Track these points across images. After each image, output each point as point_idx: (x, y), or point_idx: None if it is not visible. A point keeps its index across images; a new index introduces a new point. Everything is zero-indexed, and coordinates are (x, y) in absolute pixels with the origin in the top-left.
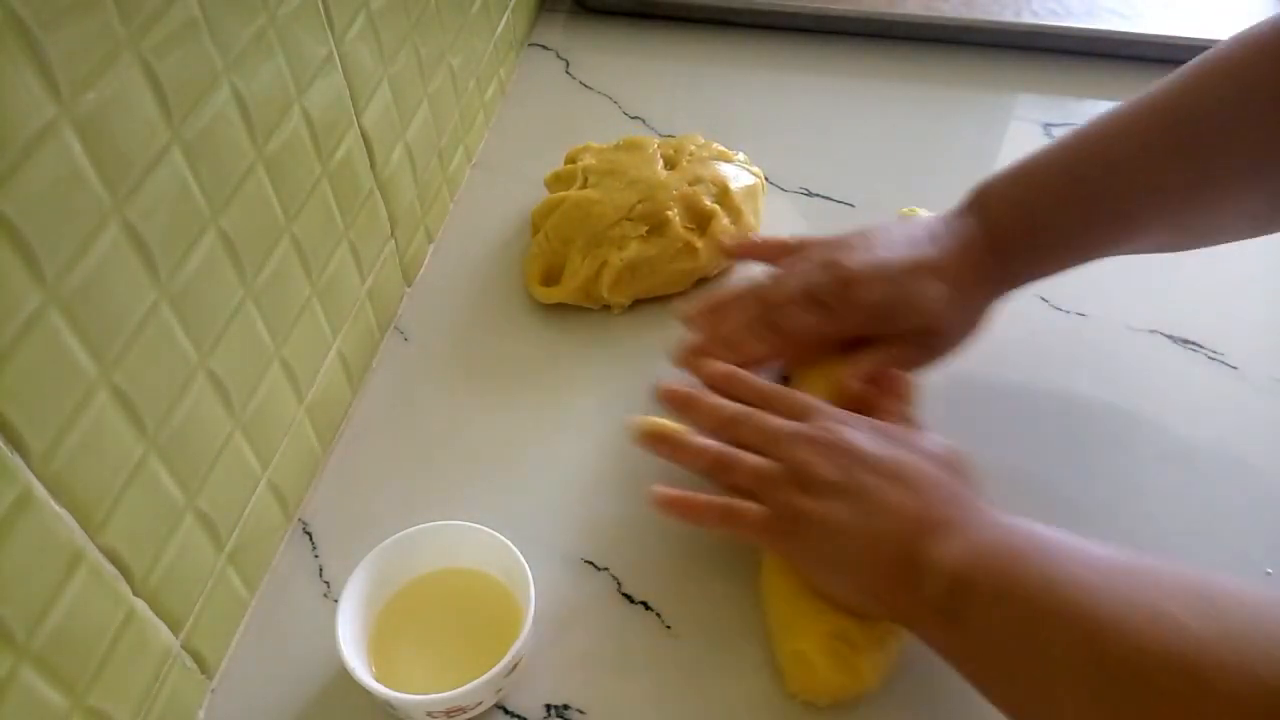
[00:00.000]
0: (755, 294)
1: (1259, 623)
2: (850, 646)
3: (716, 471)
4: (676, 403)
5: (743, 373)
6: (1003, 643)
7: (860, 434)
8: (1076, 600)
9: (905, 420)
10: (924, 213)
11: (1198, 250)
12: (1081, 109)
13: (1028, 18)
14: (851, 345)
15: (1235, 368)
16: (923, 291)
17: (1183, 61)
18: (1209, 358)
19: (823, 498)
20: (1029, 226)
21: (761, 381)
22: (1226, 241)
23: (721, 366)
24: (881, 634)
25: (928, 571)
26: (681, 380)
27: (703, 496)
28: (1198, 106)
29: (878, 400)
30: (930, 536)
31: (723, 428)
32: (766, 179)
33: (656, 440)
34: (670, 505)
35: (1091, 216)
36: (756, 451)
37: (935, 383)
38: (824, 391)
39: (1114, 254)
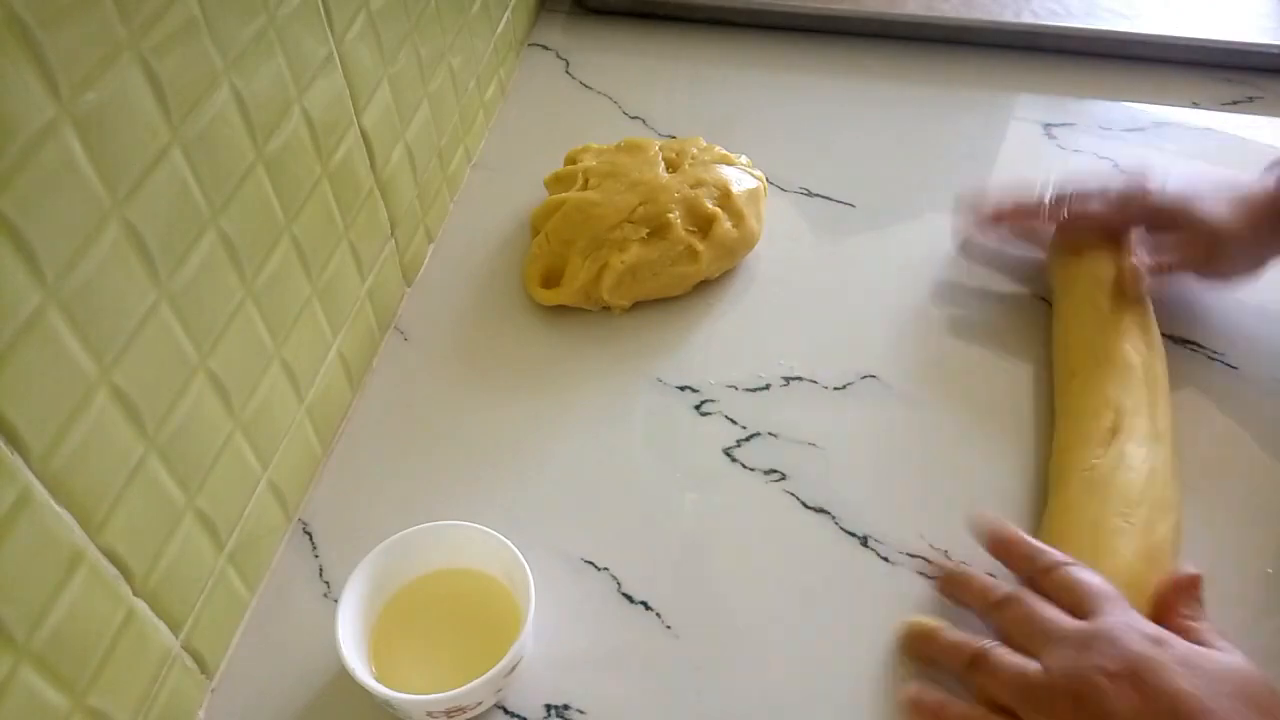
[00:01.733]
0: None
1: None
2: None
3: (969, 667)
4: (949, 589)
5: (1022, 538)
6: None
7: (1165, 655)
8: None
9: (1197, 633)
10: None
11: None
12: (1081, 109)
13: (1028, 18)
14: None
15: (1235, 368)
16: (1213, 208)
17: (1181, 61)
18: (1209, 358)
19: None
20: None
21: (1042, 549)
22: None
23: (1001, 529)
24: None
25: None
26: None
27: (959, 705)
28: None
29: (1168, 597)
30: None
31: (993, 613)
32: (767, 179)
33: (914, 643)
34: (919, 710)
35: None
36: (1022, 649)
37: (934, 384)
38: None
39: None
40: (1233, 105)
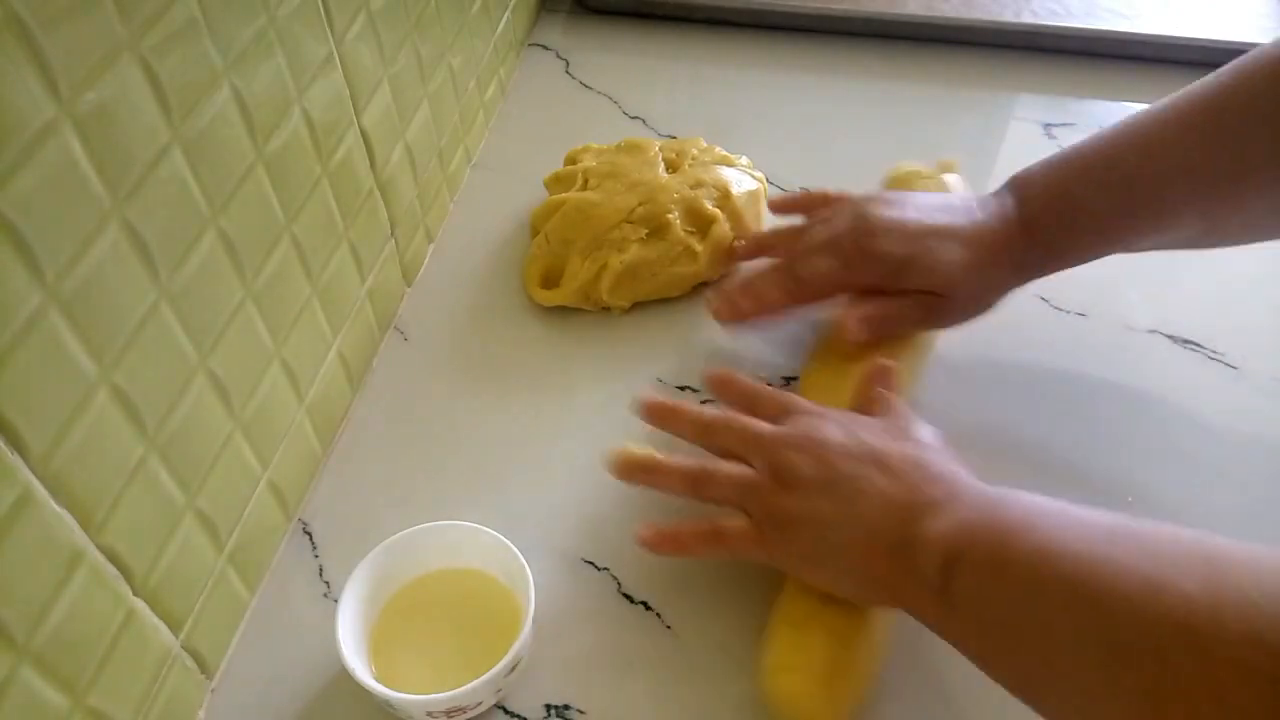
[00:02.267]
0: (785, 240)
1: (1260, 585)
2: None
3: (696, 489)
4: (655, 414)
5: (735, 375)
6: (1000, 617)
7: (837, 427)
8: (1074, 570)
9: (892, 410)
10: (913, 165)
11: (1198, 251)
12: (1081, 109)
13: (1028, 18)
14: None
15: (1235, 368)
16: (940, 254)
17: (1181, 61)
18: (1209, 358)
19: (807, 495)
20: (1065, 210)
21: (749, 383)
22: (1254, 240)
23: (717, 372)
24: (864, 666)
25: (920, 552)
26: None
27: (687, 524)
28: (1234, 99)
29: (867, 388)
30: (919, 517)
31: (702, 435)
32: (766, 179)
33: (632, 470)
34: (658, 544)
35: (1127, 202)
36: (738, 459)
37: (934, 382)
38: (829, 390)
39: (1144, 246)
40: None
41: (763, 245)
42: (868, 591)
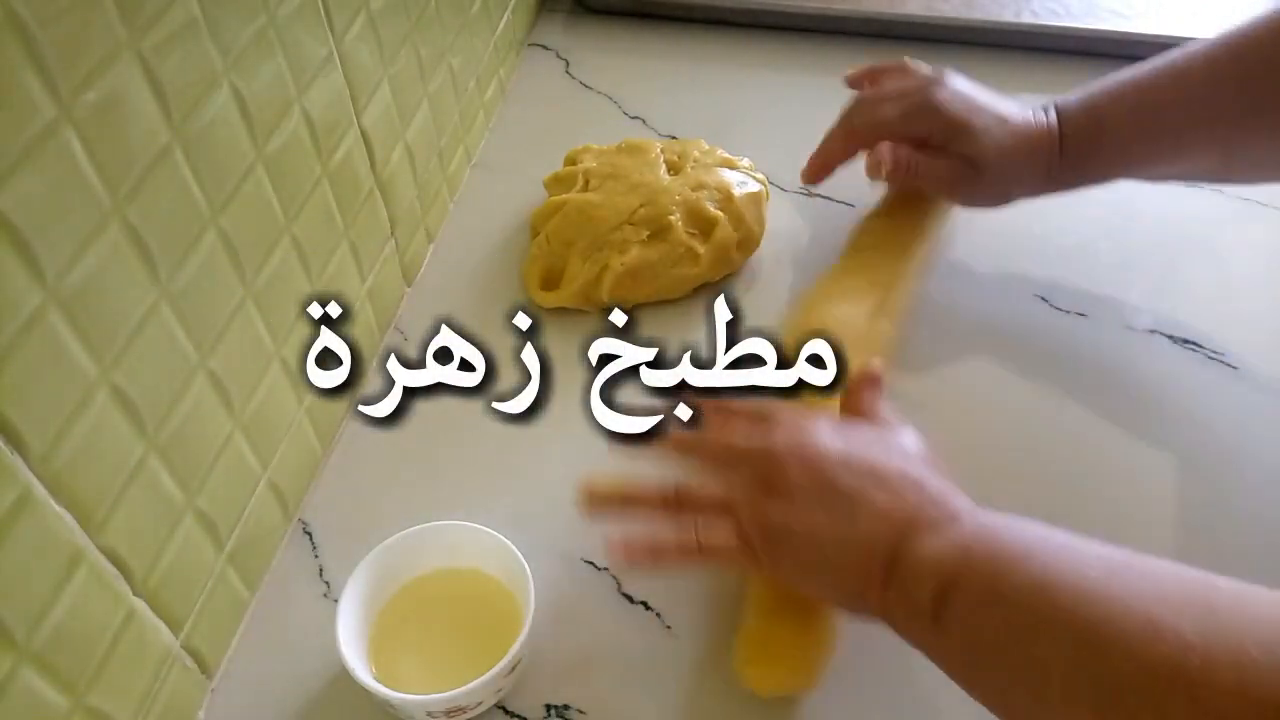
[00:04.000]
0: (855, 100)
1: (1258, 635)
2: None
3: (676, 507)
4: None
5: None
6: (993, 646)
7: (830, 434)
8: (1071, 604)
9: (881, 418)
10: None
11: (1198, 251)
12: None
13: (1028, 18)
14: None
15: (1235, 368)
16: (992, 130)
17: None
18: (1209, 358)
19: (801, 505)
20: (1094, 128)
21: (720, 402)
22: (1264, 180)
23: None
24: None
25: (911, 572)
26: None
27: (669, 537)
28: (1256, 44)
29: (854, 391)
30: (912, 536)
31: (686, 452)
32: (767, 180)
33: (601, 504)
34: (633, 558)
35: (1152, 129)
36: (722, 471)
37: (934, 381)
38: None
39: (1162, 173)
40: None
41: (869, 75)
42: (856, 605)
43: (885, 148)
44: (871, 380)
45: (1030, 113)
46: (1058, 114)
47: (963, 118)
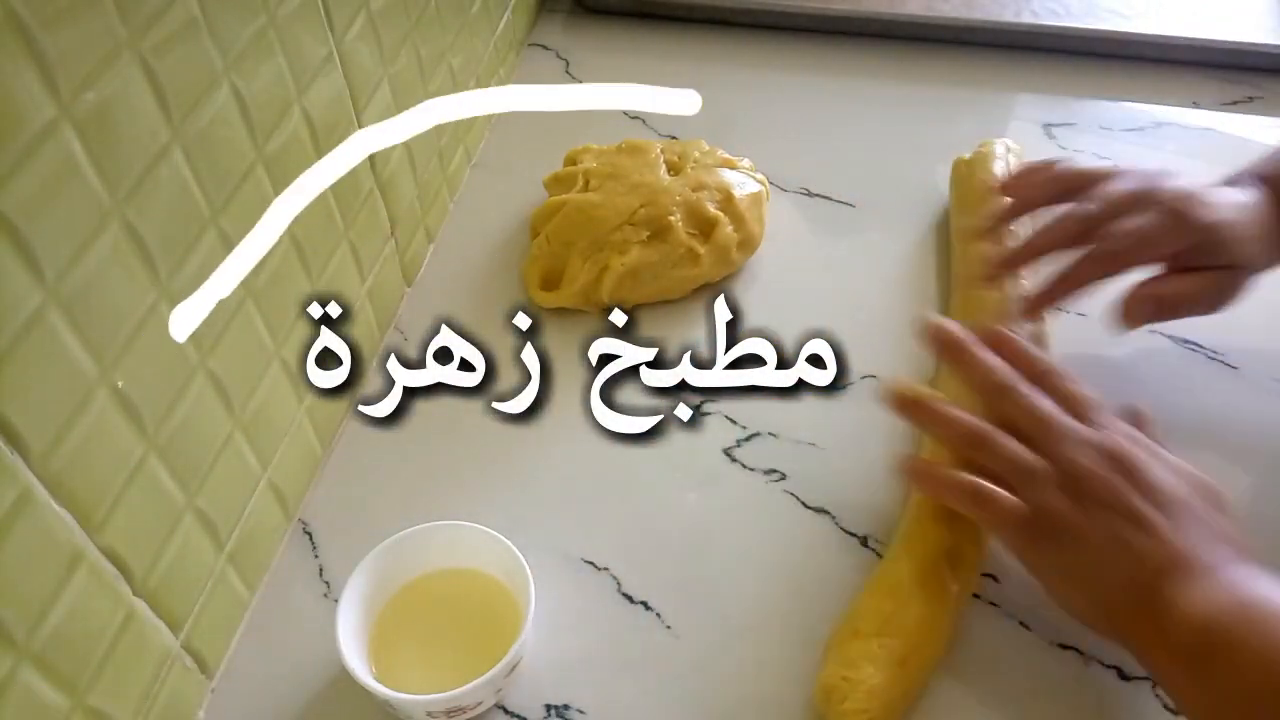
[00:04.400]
0: (1078, 210)
1: None
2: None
3: (973, 447)
4: (946, 344)
5: (1021, 341)
6: (1255, 706)
7: (1143, 452)
8: None
9: (1161, 452)
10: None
11: None
12: (1081, 109)
13: (1028, 18)
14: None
15: (1235, 368)
16: (1247, 225)
17: (1181, 61)
18: (1209, 358)
19: (1089, 510)
20: None
21: (1040, 355)
22: None
23: (999, 331)
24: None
25: (1179, 612)
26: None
27: (956, 472)
28: None
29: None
30: (1183, 575)
31: (991, 394)
32: (767, 180)
33: (907, 405)
34: (917, 475)
35: None
36: (1021, 437)
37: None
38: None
39: None
40: (1233, 105)
41: (1055, 183)
42: (1104, 624)
43: (1138, 295)
44: (1149, 421)
45: (1243, 192)
46: (1268, 184)
47: (1226, 221)
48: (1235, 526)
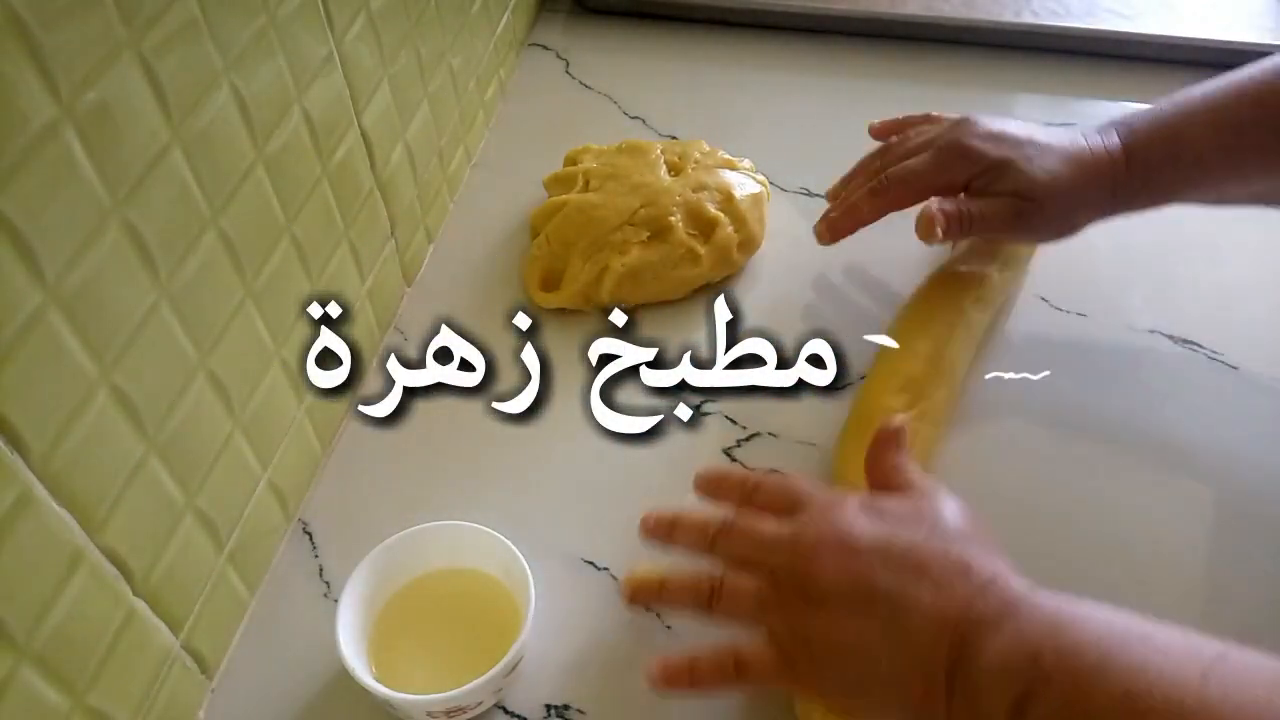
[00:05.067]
0: (881, 150)
1: None
2: None
3: (708, 606)
4: (660, 534)
5: (727, 470)
6: None
7: (862, 518)
8: (1167, 712)
9: (913, 486)
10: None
11: (1198, 251)
12: (1081, 109)
13: (1028, 18)
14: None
15: (1235, 368)
16: (1037, 161)
17: (1181, 61)
18: (1209, 358)
19: (838, 612)
20: (1171, 145)
21: (744, 474)
22: None
23: (707, 471)
24: None
25: (977, 683)
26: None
27: (702, 656)
28: None
29: (875, 455)
30: (971, 638)
31: (704, 545)
32: (768, 180)
33: (639, 594)
34: (668, 681)
35: (1235, 146)
36: (749, 567)
37: None
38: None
39: (1239, 194)
40: None
41: (887, 130)
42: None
43: (934, 204)
44: (891, 439)
45: (1081, 137)
46: (1119, 133)
47: (1001, 154)
48: (997, 552)
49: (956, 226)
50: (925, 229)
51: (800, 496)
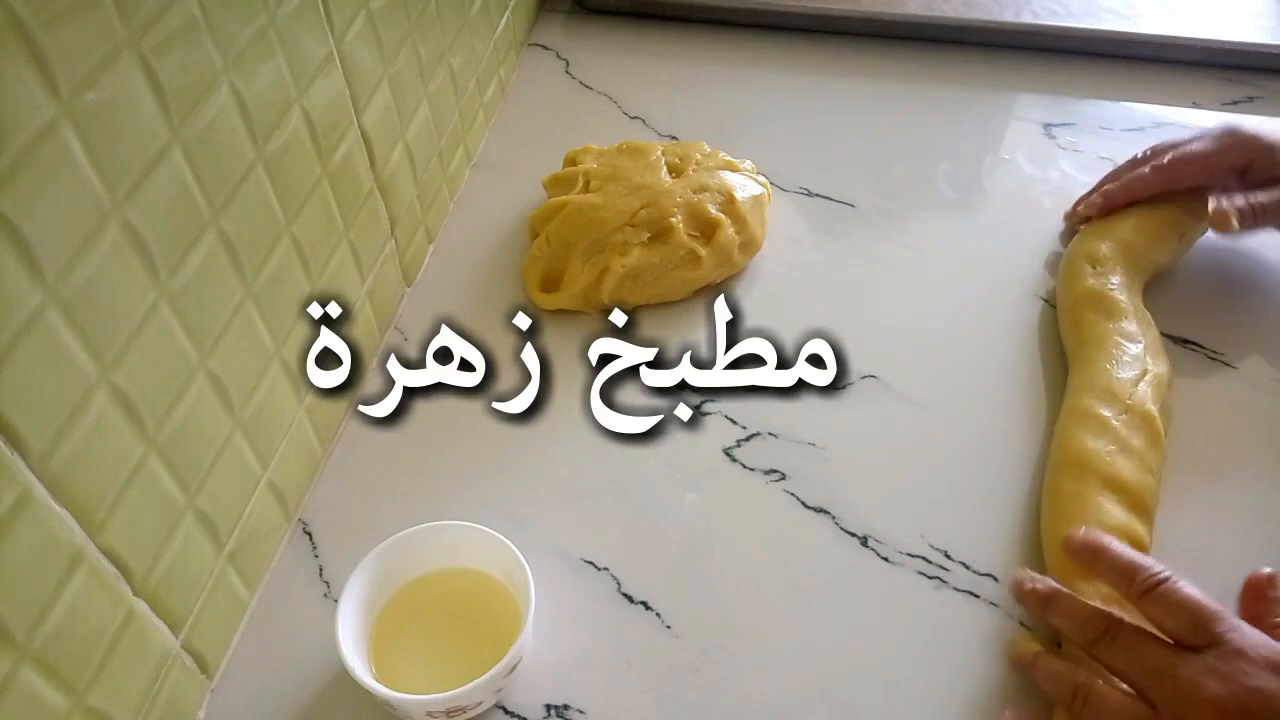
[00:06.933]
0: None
1: None
2: None
3: (1070, 705)
4: (1036, 604)
5: (1103, 539)
6: None
7: (1272, 683)
8: None
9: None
10: None
11: (1198, 250)
12: (1081, 109)
13: (1028, 18)
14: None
15: (1235, 368)
16: None
17: (1181, 61)
18: (1209, 358)
19: None
20: None
21: (1131, 560)
22: None
23: (1084, 537)
24: None
25: None
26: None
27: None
28: None
29: (1256, 603)
30: None
31: (1084, 636)
32: (768, 181)
33: (1017, 663)
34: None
35: None
36: (1128, 681)
37: (934, 381)
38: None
39: None
40: (1233, 105)
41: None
42: None
43: (1226, 199)
44: (1271, 584)
45: None
46: None
47: (1274, 137)
48: None
49: (1250, 218)
50: (1221, 222)
51: (1205, 624)
